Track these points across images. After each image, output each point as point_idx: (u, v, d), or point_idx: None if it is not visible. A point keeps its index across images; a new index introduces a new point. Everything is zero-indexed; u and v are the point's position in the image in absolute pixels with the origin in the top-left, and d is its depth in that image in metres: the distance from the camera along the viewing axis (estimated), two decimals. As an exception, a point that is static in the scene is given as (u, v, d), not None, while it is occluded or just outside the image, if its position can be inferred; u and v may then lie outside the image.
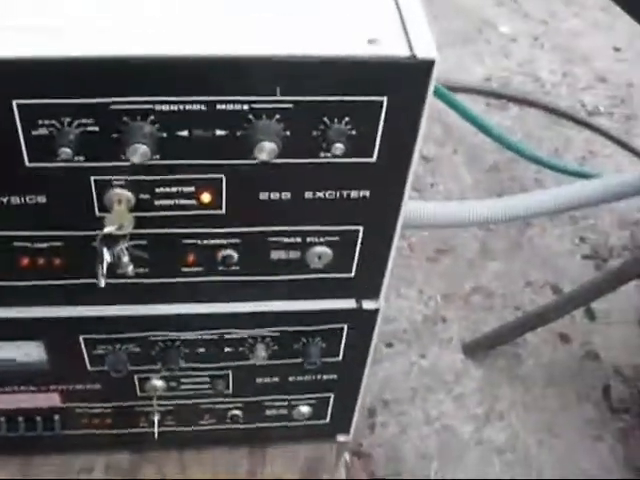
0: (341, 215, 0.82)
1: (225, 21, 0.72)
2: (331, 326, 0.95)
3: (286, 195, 0.80)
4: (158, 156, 0.73)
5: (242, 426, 1.09)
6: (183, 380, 1.01)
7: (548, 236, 2.15)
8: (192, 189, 0.78)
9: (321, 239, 0.85)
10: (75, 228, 0.81)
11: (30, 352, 0.94)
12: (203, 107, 0.71)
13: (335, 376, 1.03)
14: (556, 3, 2.93)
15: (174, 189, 0.78)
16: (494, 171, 2.29)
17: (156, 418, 1.05)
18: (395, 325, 1.91)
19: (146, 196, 0.78)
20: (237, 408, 1.07)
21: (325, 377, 1.03)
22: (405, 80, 0.71)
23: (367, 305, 0.93)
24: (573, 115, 2.47)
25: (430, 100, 0.73)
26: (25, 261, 0.83)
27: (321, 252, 0.86)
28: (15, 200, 0.77)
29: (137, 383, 1.00)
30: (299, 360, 0.98)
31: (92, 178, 0.76)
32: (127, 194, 0.77)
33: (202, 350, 0.96)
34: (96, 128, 0.71)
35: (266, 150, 0.71)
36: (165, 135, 0.72)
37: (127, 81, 0.69)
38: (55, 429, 1.05)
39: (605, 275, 1.72)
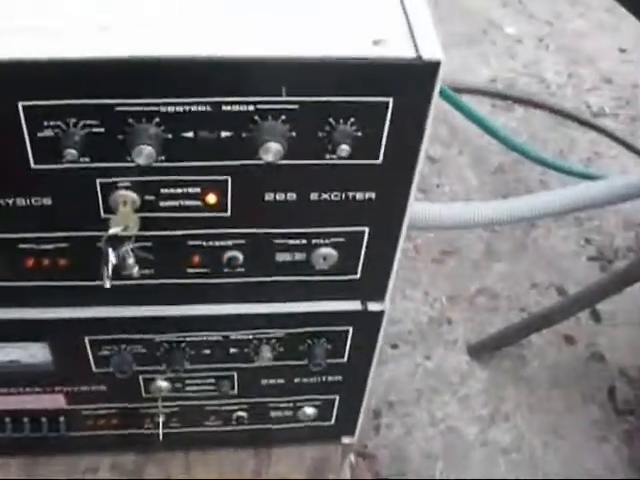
0: (346, 216, 0.82)
1: (230, 22, 0.72)
2: (336, 328, 0.95)
3: (291, 196, 0.79)
4: (163, 157, 0.73)
5: (247, 427, 1.09)
6: (188, 381, 1.01)
7: (553, 237, 2.14)
8: (197, 190, 0.78)
9: (326, 240, 0.85)
10: (80, 229, 0.81)
11: (35, 353, 0.94)
12: (208, 108, 0.71)
13: (340, 378, 1.03)
14: (561, 4, 2.93)
15: (179, 190, 0.78)
16: (499, 172, 2.29)
17: (161, 419, 1.05)
18: (400, 326, 1.91)
19: (151, 197, 0.78)
20: (242, 409, 1.07)
21: (330, 378, 1.03)
22: (411, 81, 0.71)
23: (372, 307, 0.93)
24: (578, 116, 2.46)
25: (436, 101, 0.73)
26: (30, 262, 0.83)
27: (326, 253, 0.85)
28: (21, 202, 0.77)
29: (142, 384, 1.00)
30: (304, 362, 0.98)
31: (97, 179, 0.76)
32: (132, 195, 0.77)
33: (207, 351, 0.96)
34: (101, 129, 0.71)
35: (272, 151, 0.71)
36: (170, 136, 0.72)
37: (133, 82, 0.69)
38: (60, 430, 1.05)
39: (610, 276, 1.72)
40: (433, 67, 0.70)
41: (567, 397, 1.81)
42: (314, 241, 0.85)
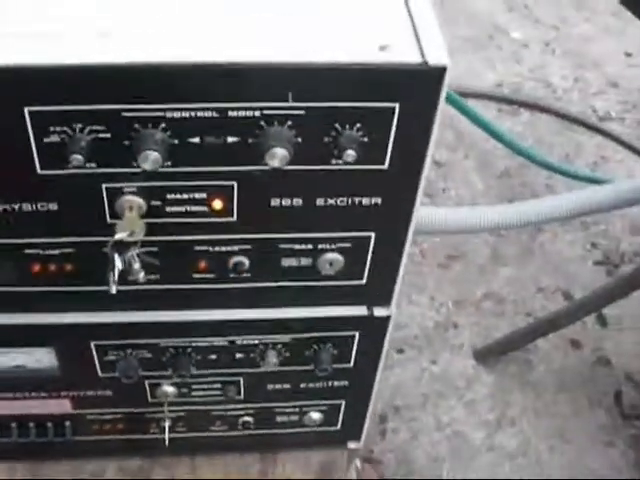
0: (353, 222, 0.82)
1: (236, 27, 0.72)
2: (342, 333, 0.95)
3: (297, 202, 0.79)
4: (169, 163, 0.73)
5: (253, 432, 1.09)
6: (194, 386, 1.01)
7: (559, 242, 2.14)
8: (203, 196, 0.78)
9: (332, 246, 0.85)
10: (86, 235, 0.81)
11: (41, 358, 0.95)
12: (214, 114, 0.71)
13: (346, 383, 1.03)
14: (567, 8, 2.93)
15: (185, 196, 0.78)
16: (505, 177, 2.29)
17: (167, 424, 1.05)
18: (406, 331, 1.91)
19: (157, 203, 0.78)
20: (248, 414, 1.07)
21: (336, 384, 1.03)
22: (417, 87, 0.71)
23: (378, 312, 0.92)
24: (584, 121, 2.46)
25: (442, 106, 0.72)
26: (37, 267, 0.83)
27: (332, 259, 0.85)
28: (27, 207, 0.77)
29: (148, 389, 1.00)
30: (310, 367, 0.97)
31: (103, 185, 0.76)
32: (138, 201, 0.77)
33: (213, 356, 0.96)
34: (108, 135, 0.71)
35: (278, 157, 0.71)
36: (176, 142, 0.72)
37: (139, 88, 0.69)
38: (66, 435, 1.05)
39: (617, 281, 1.72)
40: (439, 72, 0.70)
41: (573, 402, 1.81)
42: (320, 246, 0.85)
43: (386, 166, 0.77)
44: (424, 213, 1.29)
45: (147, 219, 0.78)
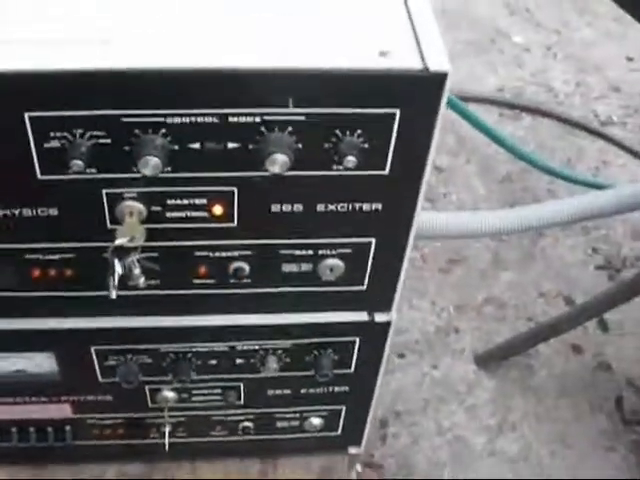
0: (353, 227, 0.82)
1: (237, 33, 0.72)
2: (343, 339, 0.95)
3: (298, 207, 0.79)
4: (170, 168, 0.73)
5: (253, 438, 1.09)
6: (194, 392, 1.01)
7: (561, 247, 2.14)
8: (204, 201, 0.78)
9: (333, 251, 0.84)
10: (87, 240, 0.81)
11: (41, 363, 0.94)
12: (215, 119, 0.71)
13: (347, 388, 1.03)
14: (569, 13, 2.93)
15: (186, 201, 0.78)
16: (507, 181, 2.29)
17: (167, 429, 1.05)
18: (407, 336, 1.90)
19: (158, 208, 0.78)
20: (248, 420, 1.06)
21: (337, 389, 1.03)
22: (418, 93, 0.71)
23: (379, 318, 0.92)
24: (586, 125, 2.46)
25: (443, 112, 0.72)
26: (37, 273, 0.83)
27: (333, 265, 0.85)
28: (27, 212, 0.77)
29: (148, 394, 1.00)
30: (311, 372, 0.97)
31: (104, 190, 0.76)
32: (139, 206, 0.77)
33: (213, 362, 0.96)
34: (108, 140, 0.71)
35: (278, 162, 0.71)
36: (177, 147, 0.72)
37: (139, 93, 0.69)
38: (66, 440, 1.05)
39: (618, 286, 1.72)
40: (440, 78, 0.70)
41: (574, 407, 1.81)
42: (321, 252, 0.84)
43: (387, 172, 0.77)
44: (425, 218, 1.29)
45: (147, 224, 0.78)
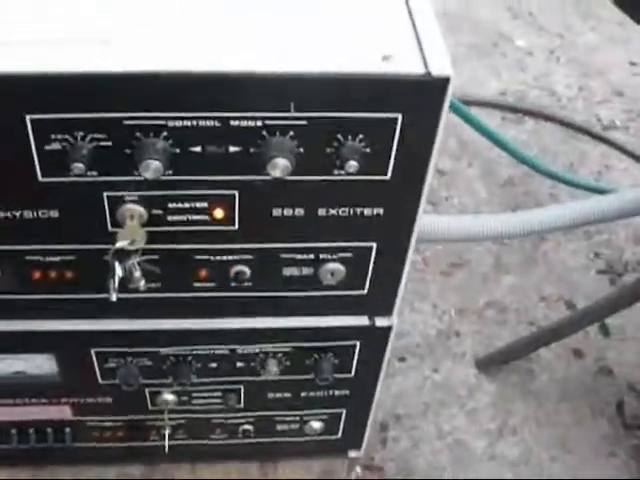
0: (354, 232, 0.82)
1: (238, 37, 0.72)
2: (343, 343, 0.94)
3: (299, 212, 0.79)
4: (171, 172, 0.73)
5: (253, 441, 1.09)
6: (194, 394, 1.01)
7: (562, 251, 2.14)
8: (205, 205, 0.78)
9: (334, 256, 0.84)
10: (87, 242, 0.81)
11: (41, 365, 0.94)
12: (216, 123, 0.71)
13: (347, 392, 1.02)
14: (572, 17, 2.93)
15: (187, 205, 0.78)
16: (509, 185, 2.29)
17: (167, 432, 1.05)
18: (408, 339, 1.90)
19: (158, 211, 0.78)
20: (248, 423, 1.06)
21: (337, 393, 1.02)
22: (420, 97, 0.71)
23: (380, 322, 0.92)
24: (589, 129, 2.46)
25: (445, 117, 0.72)
26: (37, 275, 0.83)
27: (334, 269, 0.85)
28: (28, 214, 0.77)
29: (148, 397, 1.00)
30: (311, 376, 0.97)
31: (105, 193, 0.76)
32: (139, 209, 0.77)
33: (214, 365, 0.96)
34: (109, 143, 0.71)
35: (279, 167, 0.71)
36: (178, 151, 0.72)
37: (140, 96, 0.69)
38: (66, 441, 1.05)
39: (620, 291, 1.71)
40: (442, 83, 0.70)
41: (575, 411, 1.80)
42: (322, 256, 0.84)
43: (388, 177, 0.76)
44: (427, 221, 1.29)
45: (148, 228, 0.78)
